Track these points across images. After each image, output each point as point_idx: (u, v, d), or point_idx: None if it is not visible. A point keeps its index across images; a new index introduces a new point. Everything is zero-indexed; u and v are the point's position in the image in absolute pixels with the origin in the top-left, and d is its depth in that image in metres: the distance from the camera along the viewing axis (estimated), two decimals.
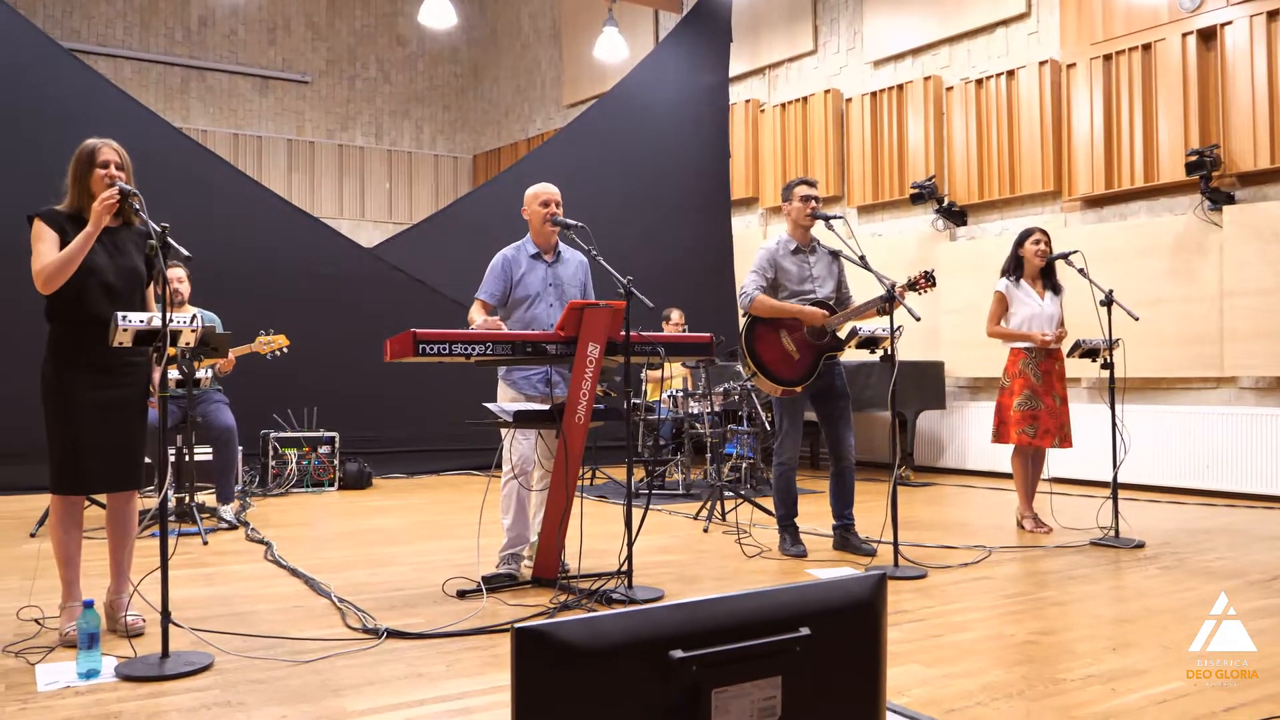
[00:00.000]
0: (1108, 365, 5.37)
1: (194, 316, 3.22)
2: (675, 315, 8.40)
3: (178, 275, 5.97)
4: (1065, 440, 5.64)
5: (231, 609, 3.78)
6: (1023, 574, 4.55)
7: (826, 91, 10.00)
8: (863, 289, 5.22)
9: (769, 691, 1.70)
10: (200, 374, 5.63)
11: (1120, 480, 5.38)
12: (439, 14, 10.73)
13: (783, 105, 10.47)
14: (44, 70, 7.53)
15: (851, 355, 5.15)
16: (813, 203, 5.03)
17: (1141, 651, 3.20)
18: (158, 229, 3.08)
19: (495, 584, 4.17)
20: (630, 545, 3.99)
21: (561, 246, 4.61)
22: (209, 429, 5.91)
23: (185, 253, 3.10)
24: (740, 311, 5.07)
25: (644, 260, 9.50)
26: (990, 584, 4.30)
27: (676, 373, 8.33)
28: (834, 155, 9.94)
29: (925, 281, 4.86)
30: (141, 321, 3.10)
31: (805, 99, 10.22)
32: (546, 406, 4.18)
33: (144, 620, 3.40)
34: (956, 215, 8.91)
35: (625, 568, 4.00)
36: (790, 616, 1.75)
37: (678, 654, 1.60)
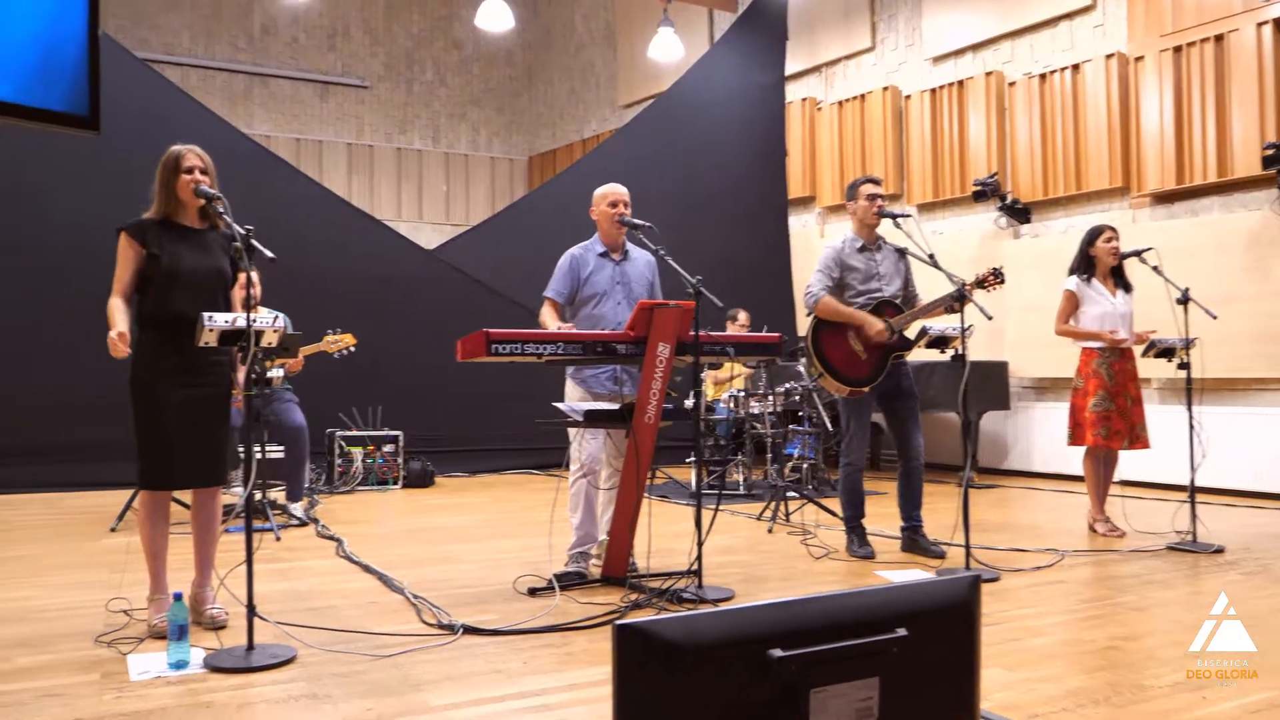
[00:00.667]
0: (1184, 365, 5.26)
1: (276, 317, 3.28)
2: (742, 316, 8.36)
3: (252, 279, 6.08)
4: (1137, 441, 5.53)
5: (309, 604, 3.85)
6: (1098, 578, 4.47)
7: (885, 89, 9.92)
8: (929, 288, 5.17)
9: (866, 692, 1.69)
10: (271, 373, 5.74)
11: (1196, 483, 5.27)
12: (495, 17, 10.82)
13: (840, 103, 10.39)
14: (117, 78, 7.70)
15: (914, 354, 5.10)
16: (879, 201, 4.99)
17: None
18: (242, 232, 3.15)
19: (564, 582, 4.19)
20: (700, 545, 3.99)
21: (629, 245, 4.64)
22: (280, 428, 6.01)
23: (269, 255, 3.17)
24: (805, 311, 5.04)
25: (700, 260, 9.40)
26: (1065, 588, 4.23)
27: (737, 372, 8.30)
28: (893, 153, 9.85)
29: (994, 279, 4.80)
30: (226, 322, 3.18)
31: (863, 97, 10.14)
32: (615, 405, 4.20)
33: (227, 613, 3.47)
34: (1020, 213, 8.78)
35: (695, 567, 4.01)
36: (887, 617, 1.73)
37: (777, 653, 1.60)
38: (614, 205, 4.50)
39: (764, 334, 4.52)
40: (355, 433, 7.80)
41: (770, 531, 5.71)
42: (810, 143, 10.76)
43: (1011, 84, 8.92)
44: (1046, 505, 6.96)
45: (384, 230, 9.35)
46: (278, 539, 5.34)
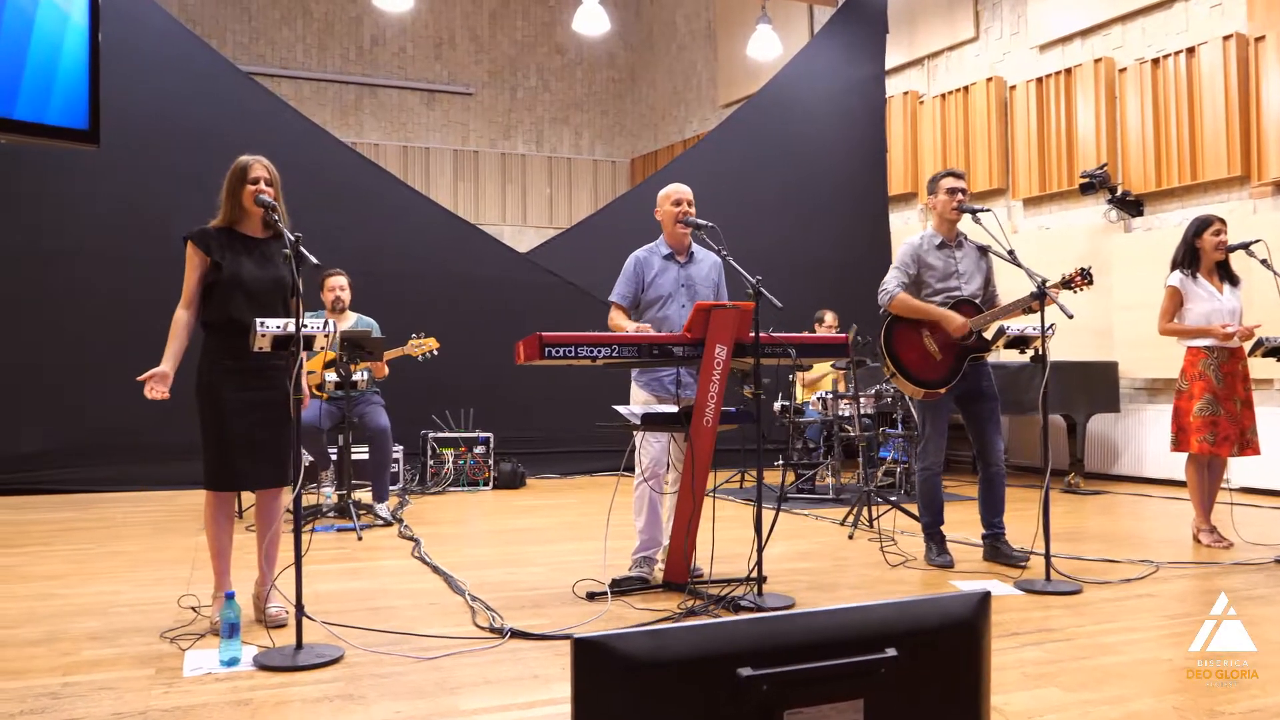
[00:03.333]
0: None
1: (326, 322, 3.35)
2: (829, 317, 8.18)
3: (340, 284, 6.27)
4: (1247, 447, 5.17)
5: (369, 604, 3.92)
6: (1192, 592, 4.20)
7: (989, 80, 9.56)
8: (1015, 286, 4.94)
9: (849, 715, 1.61)
10: (356, 376, 5.89)
11: None
12: (591, 21, 10.88)
13: (942, 96, 10.07)
14: (230, 96, 8.06)
15: (1015, 355, 4.88)
16: (959, 195, 4.80)
17: None
18: (291, 238, 3.23)
19: (626, 587, 4.17)
20: (760, 550, 3.91)
21: (695, 247, 4.58)
22: (365, 429, 6.16)
23: (314, 259, 3.23)
24: (880, 309, 4.89)
25: (798, 259, 9.34)
26: (1153, 602, 3.98)
27: (828, 374, 8.13)
28: (997, 146, 9.49)
29: (1081, 279, 4.55)
30: (278, 327, 3.26)
31: (966, 88, 9.80)
32: (676, 409, 4.15)
33: (287, 612, 3.56)
34: (1131, 205, 8.33)
35: (755, 574, 3.93)
36: (875, 636, 1.65)
37: (746, 671, 1.53)
38: (677, 204, 4.44)
39: (831, 335, 4.39)
40: (447, 434, 7.94)
41: (851, 538, 5.56)
42: (912, 137, 10.46)
43: (1122, 70, 8.48)
44: (1154, 513, 6.59)
45: (479, 235, 9.50)
46: (359, 539, 5.47)
